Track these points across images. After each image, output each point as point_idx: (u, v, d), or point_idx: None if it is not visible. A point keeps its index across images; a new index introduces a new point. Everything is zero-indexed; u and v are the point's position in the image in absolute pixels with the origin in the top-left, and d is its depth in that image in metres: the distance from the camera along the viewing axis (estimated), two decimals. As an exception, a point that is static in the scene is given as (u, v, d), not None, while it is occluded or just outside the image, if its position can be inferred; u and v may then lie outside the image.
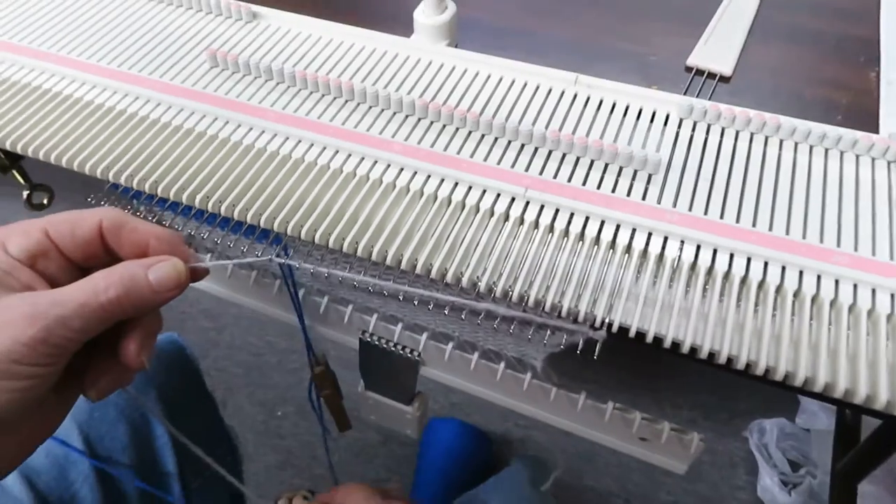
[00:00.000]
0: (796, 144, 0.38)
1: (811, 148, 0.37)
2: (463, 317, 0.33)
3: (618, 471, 1.04)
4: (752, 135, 0.38)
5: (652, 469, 0.55)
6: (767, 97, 0.44)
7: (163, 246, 0.30)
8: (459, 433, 1.07)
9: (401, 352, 0.40)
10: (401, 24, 0.48)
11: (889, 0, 0.50)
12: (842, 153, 0.37)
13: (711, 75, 0.45)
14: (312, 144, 0.38)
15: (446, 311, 0.34)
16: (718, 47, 0.47)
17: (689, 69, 0.46)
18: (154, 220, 0.39)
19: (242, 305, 0.52)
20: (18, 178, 0.53)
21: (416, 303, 0.35)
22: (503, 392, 0.40)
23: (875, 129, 0.41)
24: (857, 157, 0.37)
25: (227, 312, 1.24)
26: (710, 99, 0.44)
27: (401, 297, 0.36)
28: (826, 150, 0.37)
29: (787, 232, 0.34)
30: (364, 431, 1.11)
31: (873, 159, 0.37)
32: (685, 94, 0.44)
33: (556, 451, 1.08)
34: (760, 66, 0.46)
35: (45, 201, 0.55)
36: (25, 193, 0.54)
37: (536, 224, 0.34)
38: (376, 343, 0.40)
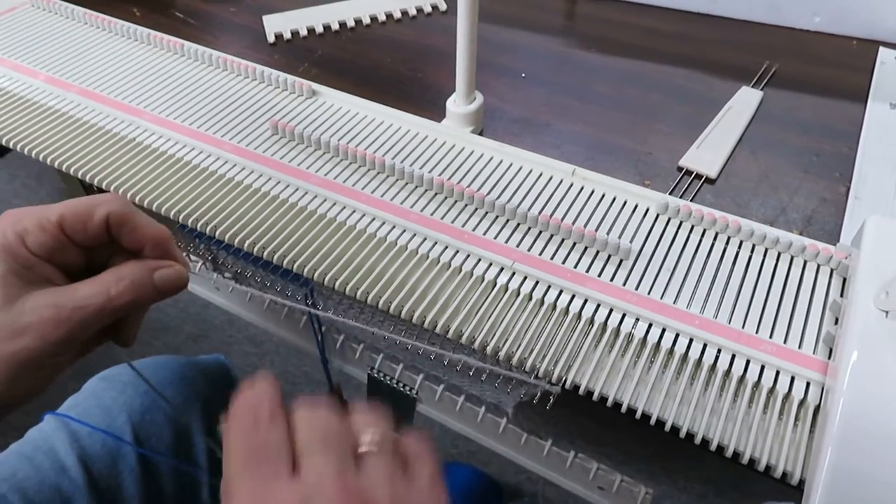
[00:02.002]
0: (753, 246, 0.43)
1: (766, 250, 0.43)
2: (445, 363, 0.40)
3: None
4: (716, 234, 0.44)
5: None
6: (745, 200, 0.50)
7: (157, 250, 0.35)
8: (472, 480, 1.11)
9: (401, 389, 0.47)
10: (436, 109, 0.56)
11: (871, 122, 0.55)
12: (792, 257, 0.43)
13: (699, 176, 0.52)
14: (345, 207, 0.46)
15: (432, 357, 0.41)
16: (708, 152, 0.53)
17: (679, 169, 0.53)
18: (210, 258, 0.47)
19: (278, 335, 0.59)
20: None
21: (408, 348, 0.42)
22: (483, 433, 0.46)
23: (837, 238, 0.47)
24: (805, 262, 0.43)
25: (270, 340, 1.32)
26: (693, 198, 0.50)
27: (397, 342, 0.43)
28: (779, 254, 0.43)
29: (729, 321, 0.39)
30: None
31: (819, 266, 0.42)
32: (673, 191, 0.51)
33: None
34: (743, 172, 0.52)
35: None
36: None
37: (518, 292, 0.41)
38: (381, 379, 0.47)
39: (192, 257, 0.52)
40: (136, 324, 0.37)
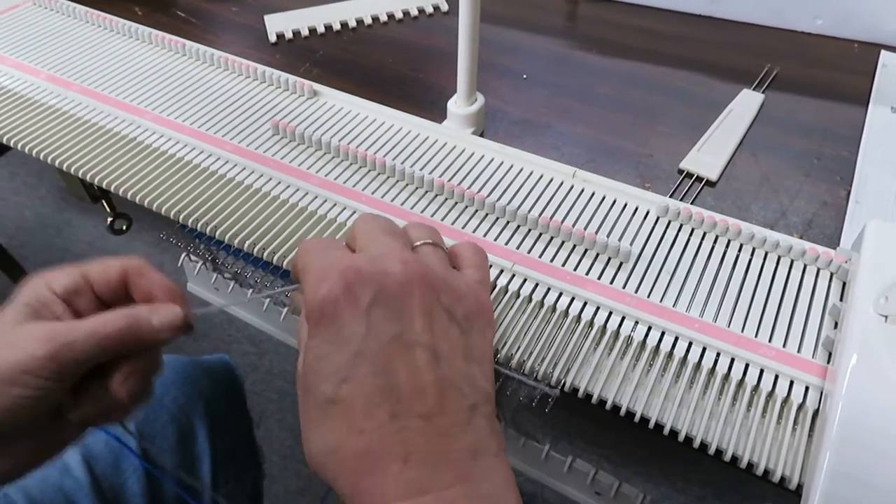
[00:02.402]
0: (753, 249, 0.43)
1: (766, 254, 0.43)
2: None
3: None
4: (716, 237, 0.44)
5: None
6: (745, 203, 0.50)
7: (165, 298, 0.35)
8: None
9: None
10: (437, 110, 0.56)
11: (872, 126, 0.55)
12: (792, 261, 0.43)
13: (699, 179, 0.52)
14: (345, 208, 0.46)
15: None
16: (709, 155, 0.53)
17: (680, 171, 0.53)
18: (210, 258, 0.47)
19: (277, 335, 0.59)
20: (106, 207, 0.62)
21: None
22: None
23: (837, 242, 0.47)
24: (805, 266, 0.43)
25: (270, 339, 1.32)
26: (694, 201, 0.50)
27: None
28: (779, 257, 0.43)
29: (729, 324, 0.39)
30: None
31: (818, 270, 0.42)
32: (673, 193, 0.51)
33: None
34: (744, 175, 0.52)
35: (124, 227, 0.64)
36: (109, 220, 0.64)
37: (518, 294, 0.41)
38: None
39: (192, 257, 0.52)
40: (134, 380, 0.35)
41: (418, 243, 0.33)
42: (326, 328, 0.28)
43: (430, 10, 0.72)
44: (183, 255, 0.49)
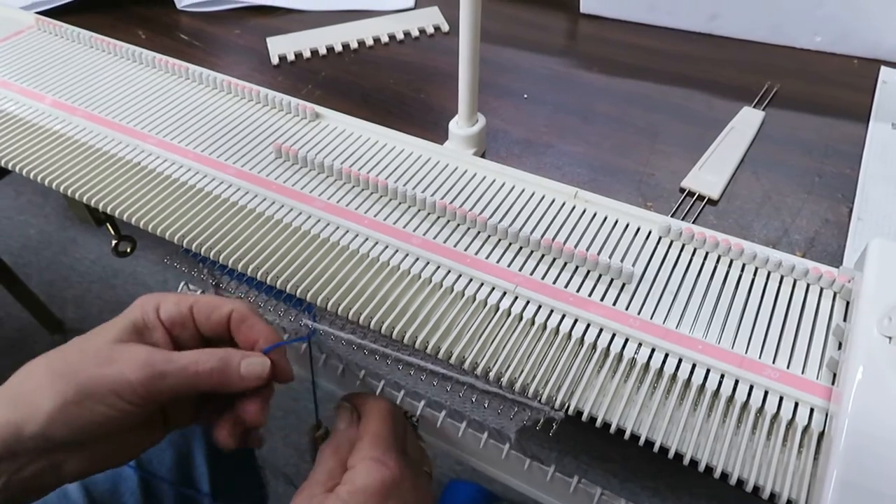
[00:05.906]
0: (756, 269, 0.43)
1: (769, 274, 0.43)
2: (448, 388, 0.40)
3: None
4: (719, 257, 0.44)
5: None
6: (747, 222, 0.50)
7: (264, 345, 0.38)
8: (477, 498, 1.11)
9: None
10: (439, 131, 0.56)
11: (873, 142, 0.56)
12: (795, 281, 0.43)
13: (701, 198, 0.52)
14: (347, 231, 0.46)
15: (434, 383, 0.41)
16: (711, 173, 0.53)
17: (682, 190, 0.53)
18: (213, 283, 0.47)
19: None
20: (110, 229, 0.63)
21: (412, 372, 0.42)
22: (485, 460, 0.46)
23: (840, 259, 0.47)
24: (808, 285, 0.42)
25: (274, 357, 1.32)
26: (696, 220, 0.50)
27: (399, 368, 0.43)
28: (782, 277, 0.43)
29: (732, 345, 0.39)
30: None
31: (821, 289, 0.42)
32: (675, 213, 0.51)
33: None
34: (745, 194, 0.52)
35: (128, 250, 0.65)
36: (113, 242, 0.64)
37: (520, 316, 0.41)
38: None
39: (191, 286, 0.52)
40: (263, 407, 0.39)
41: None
42: None
43: (430, 30, 0.72)
44: (182, 284, 0.50)
